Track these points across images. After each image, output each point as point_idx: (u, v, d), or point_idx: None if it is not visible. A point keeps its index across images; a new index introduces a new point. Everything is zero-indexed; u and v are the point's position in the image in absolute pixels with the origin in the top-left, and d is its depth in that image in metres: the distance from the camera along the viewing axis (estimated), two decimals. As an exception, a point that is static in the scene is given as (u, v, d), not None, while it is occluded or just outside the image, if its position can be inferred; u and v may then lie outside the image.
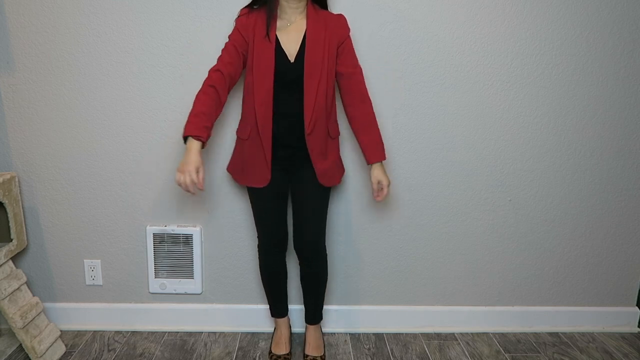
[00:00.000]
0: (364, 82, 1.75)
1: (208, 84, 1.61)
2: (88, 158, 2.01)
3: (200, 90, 1.61)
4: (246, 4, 1.86)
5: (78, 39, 1.90)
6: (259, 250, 1.93)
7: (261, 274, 1.95)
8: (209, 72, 1.65)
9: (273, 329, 2.12)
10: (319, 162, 1.73)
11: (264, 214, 1.83)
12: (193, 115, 1.56)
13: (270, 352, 1.99)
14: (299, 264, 1.92)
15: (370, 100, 1.76)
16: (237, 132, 1.79)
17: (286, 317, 2.03)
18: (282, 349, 1.97)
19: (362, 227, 2.11)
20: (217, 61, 1.66)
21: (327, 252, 1.90)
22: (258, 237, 1.90)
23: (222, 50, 1.67)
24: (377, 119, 1.77)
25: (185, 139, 1.55)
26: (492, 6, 1.92)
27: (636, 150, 2.11)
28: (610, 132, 2.08)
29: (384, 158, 1.76)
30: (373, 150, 1.74)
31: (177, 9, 1.88)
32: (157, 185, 2.05)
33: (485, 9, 1.92)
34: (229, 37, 1.68)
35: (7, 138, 1.98)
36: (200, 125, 1.54)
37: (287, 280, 2.01)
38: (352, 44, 1.74)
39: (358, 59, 1.77)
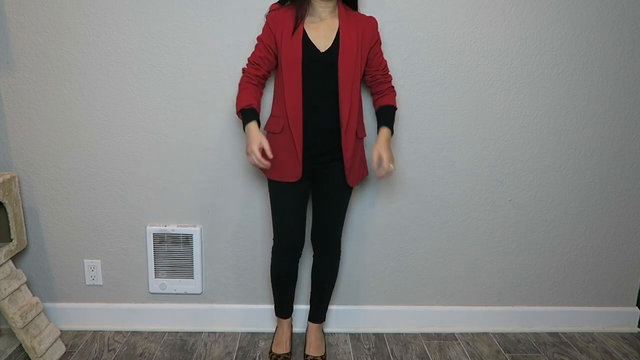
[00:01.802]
0: (394, 93, 1.84)
1: (246, 81, 1.73)
2: (88, 158, 2.01)
3: (240, 87, 1.74)
4: (244, 3, 1.87)
5: (78, 39, 1.90)
6: (272, 252, 1.90)
7: (271, 275, 1.93)
8: (243, 69, 1.75)
9: (275, 329, 2.12)
10: (350, 160, 1.74)
11: (285, 214, 1.82)
12: (239, 99, 1.71)
13: (270, 351, 1.99)
14: (313, 257, 1.94)
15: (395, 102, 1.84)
16: (268, 127, 1.78)
17: (289, 318, 2.03)
18: (282, 349, 1.97)
19: (362, 227, 2.11)
20: (251, 55, 1.74)
21: (340, 250, 1.94)
22: (274, 239, 1.88)
23: (255, 46, 1.74)
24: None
25: (243, 121, 1.69)
26: (492, 6, 1.92)
27: (636, 150, 2.11)
28: (610, 132, 2.08)
29: (391, 129, 1.78)
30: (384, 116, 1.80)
31: (177, 9, 1.88)
32: (157, 185, 2.05)
33: (485, 9, 1.92)
34: (261, 34, 1.73)
35: (7, 138, 1.98)
36: (247, 101, 1.69)
37: (297, 282, 2.01)
38: (380, 47, 1.78)
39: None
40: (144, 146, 2.01)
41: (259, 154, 1.60)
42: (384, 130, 1.74)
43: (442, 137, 2.04)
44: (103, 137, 2.00)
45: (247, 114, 1.67)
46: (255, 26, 1.88)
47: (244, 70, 1.75)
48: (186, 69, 1.93)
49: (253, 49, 1.75)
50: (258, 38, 1.73)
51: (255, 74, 1.72)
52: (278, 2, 1.72)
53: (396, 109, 1.81)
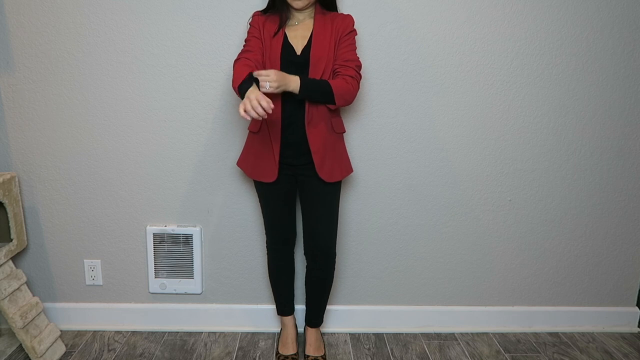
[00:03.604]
0: (344, 81, 1.67)
1: (242, 63, 1.61)
2: (88, 158, 2.01)
3: (235, 68, 1.60)
4: (244, 3, 1.87)
5: (78, 39, 1.90)
6: (266, 248, 1.93)
7: (268, 270, 1.96)
8: (236, 61, 1.64)
9: (279, 330, 2.12)
10: (319, 153, 1.69)
11: (271, 214, 1.84)
12: (236, 75, 1.57)
13: (277, 352, 1.99)
14: (307, 267, 1.91)
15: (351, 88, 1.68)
16: (249, 126, 1.78)
17: (292, 316, 2.02)
18: (289, 349, 1.97)
19: (362, 227, 2.11)
20: (241, 52, 1.69)
21: (336, 258, 1.89)
22: (265, 234, 1.91)
23: (244, 46, 1.72)
24: (353, 99, 1.70)
25: (241, 90, 1.52)
26: (492, 6, 1.92)
27: (636, 150, 2.11)
28: (610, 132, 2.08)
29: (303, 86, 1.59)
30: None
31: (177, 9, 1.88)
32: (157, 185, 2.05)
33: (485, 9, 1.92)
34: (247, 35, 1.74)
35: (7, 138, 1.98)
36: (245, 73, 1.55)
37: (294, 278, 2.01)
38: (353, 40, 1.72)
39: (360, 60, 1.73)
40: (144, 146, 2.01)
41: (255, 102, 1.44)
42: (295, 77, 1.57)
43: (442, 137, 2.04)
44: (103, 137, 2.00)
45: (246, 82, 1.53)
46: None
47: (237, 60, 1.66)
48: (186, 69, 1.93)
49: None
50: (247, 38, 1.71)
51: (252, 57, 1.65)
52: (261, 10, 1.74)
53: (331, 88, 1.61)
